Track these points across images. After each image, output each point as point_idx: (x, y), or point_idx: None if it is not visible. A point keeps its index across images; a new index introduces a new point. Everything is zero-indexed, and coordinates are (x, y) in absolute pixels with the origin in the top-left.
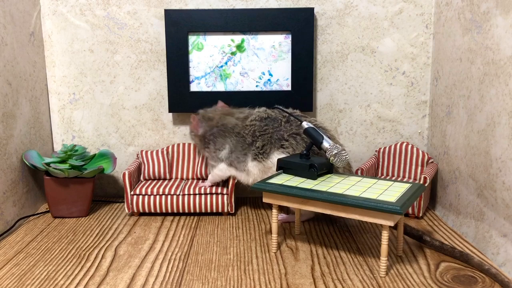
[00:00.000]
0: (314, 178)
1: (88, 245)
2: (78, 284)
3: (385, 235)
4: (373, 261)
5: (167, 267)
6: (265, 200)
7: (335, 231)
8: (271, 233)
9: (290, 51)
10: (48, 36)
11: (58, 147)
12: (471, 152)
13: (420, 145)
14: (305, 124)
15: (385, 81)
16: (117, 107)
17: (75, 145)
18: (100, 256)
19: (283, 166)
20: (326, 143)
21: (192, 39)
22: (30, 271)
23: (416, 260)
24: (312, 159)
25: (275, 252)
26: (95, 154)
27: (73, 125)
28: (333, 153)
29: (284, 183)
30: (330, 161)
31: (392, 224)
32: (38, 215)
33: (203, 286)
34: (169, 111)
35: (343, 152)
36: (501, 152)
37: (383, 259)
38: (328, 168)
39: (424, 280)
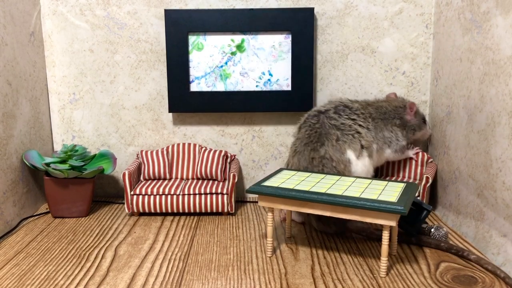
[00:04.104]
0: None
1: (88, 245)
2: (78, 284)
3: (385, 235)
4: (373, 261)
5: (167, 267)
6: (261, 203)
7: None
8: (266, 237)
9: (290, 51)
10: (48, 36)
11: (58, 147)
12: (471, 152)
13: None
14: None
15: (385, 81)
16: (117, 107)
17: (75, 145)
18: (100, 256)
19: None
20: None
21: (192, 39)
22: (30, 271)
23: (416, 260)
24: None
25: (270, 257)
26: (95, 155)
27: (73, 125)
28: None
29: (280, 185)
30: (430, 234)
31: (394, 224)
32: (37, 216)
33: (203, 286)
34: (169, 111)
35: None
36: (501, 152)
37: (384, 259)
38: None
39: (424, 280)
